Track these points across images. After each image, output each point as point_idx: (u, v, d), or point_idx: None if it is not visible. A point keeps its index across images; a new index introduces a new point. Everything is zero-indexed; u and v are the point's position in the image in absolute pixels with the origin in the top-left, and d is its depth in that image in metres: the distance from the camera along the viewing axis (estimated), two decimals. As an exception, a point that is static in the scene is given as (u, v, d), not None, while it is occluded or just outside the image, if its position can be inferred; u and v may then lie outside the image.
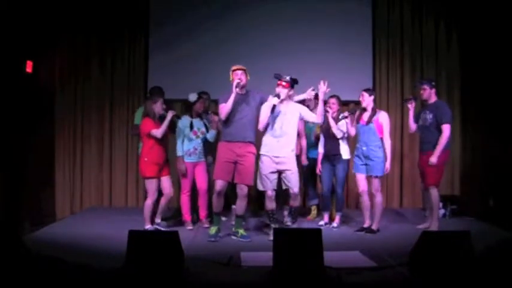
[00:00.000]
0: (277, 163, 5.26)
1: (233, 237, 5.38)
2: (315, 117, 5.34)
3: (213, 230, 5.35)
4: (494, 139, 6.48)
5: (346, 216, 6.44)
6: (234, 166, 5.23)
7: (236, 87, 5.10)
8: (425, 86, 5.74)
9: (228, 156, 5.20)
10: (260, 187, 5.35)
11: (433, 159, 5.51)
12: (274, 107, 5.15)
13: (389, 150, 5.64)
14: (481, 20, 6.84)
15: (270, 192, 5.28)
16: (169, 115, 5.54)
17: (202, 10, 7.54)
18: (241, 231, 5.37)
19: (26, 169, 6.54)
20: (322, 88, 5.16)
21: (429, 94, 5.73)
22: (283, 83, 5.24)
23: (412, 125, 5.93)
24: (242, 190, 5.27)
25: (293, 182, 5.28)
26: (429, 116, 5.65)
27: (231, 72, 5.25)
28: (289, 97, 5.31)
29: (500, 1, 6.27)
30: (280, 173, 5.30)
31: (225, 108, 5.16)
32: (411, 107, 5.90)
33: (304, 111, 5.37)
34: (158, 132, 5.51)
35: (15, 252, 3.96)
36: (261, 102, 5.27)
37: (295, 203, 5.43)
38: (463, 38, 7.53)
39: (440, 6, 7.66)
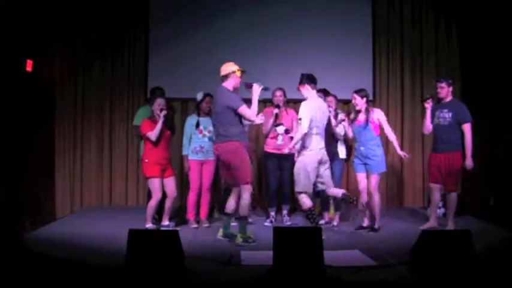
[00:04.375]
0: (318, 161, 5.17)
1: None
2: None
3: None
4: (494, 138, 6.47)
5: (346, 215, 6.44)
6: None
7: None
8: (444, 84, 5.64)
9: None
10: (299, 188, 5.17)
11: (469, 162, 5.48)
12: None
13: (396, 143, 5.64)
14: (481, 18, 6.83)
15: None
16: (161, 115, 5.52)
17: (202, 10, 7.54)
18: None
19: (26, 169, 6.53)
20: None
21: (447, 92, 5.65)
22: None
23: (430, 125, 5.75)
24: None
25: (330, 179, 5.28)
26: (448, 115, 5.57)
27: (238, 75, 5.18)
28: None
29: (500, 0, 6.27)
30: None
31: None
32: (428, 106, 5.72)
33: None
34: (152, 134, 5.51)
35: (15, 251, 3.96)
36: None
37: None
38: (463, 37, 7.53)
39: (440, 5, 7.67)
